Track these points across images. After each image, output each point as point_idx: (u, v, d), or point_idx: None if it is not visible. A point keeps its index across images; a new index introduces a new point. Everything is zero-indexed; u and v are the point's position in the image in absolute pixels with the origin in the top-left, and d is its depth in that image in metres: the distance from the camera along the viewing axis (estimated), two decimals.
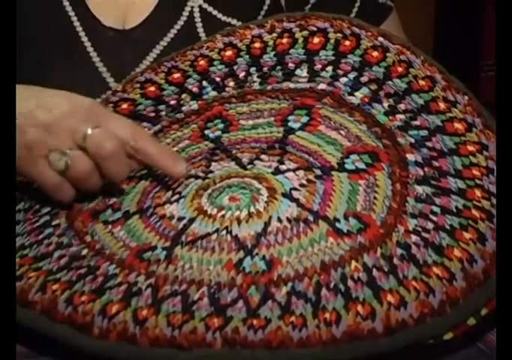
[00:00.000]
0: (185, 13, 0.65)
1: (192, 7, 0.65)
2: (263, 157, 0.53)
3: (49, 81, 0.61)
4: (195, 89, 0.58)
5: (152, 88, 0.58)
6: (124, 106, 0.57)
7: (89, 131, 0.49)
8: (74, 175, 0.49)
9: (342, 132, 0.53)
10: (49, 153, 0.49)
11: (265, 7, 0.66)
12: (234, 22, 0.65)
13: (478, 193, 0.48)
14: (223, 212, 0.49)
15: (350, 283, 0.43)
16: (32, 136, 0.49)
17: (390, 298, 0.42)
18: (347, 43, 0.56)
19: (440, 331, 0.42)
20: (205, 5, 0.65)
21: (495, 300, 0.43)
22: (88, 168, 0.49)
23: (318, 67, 0.56)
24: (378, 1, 0.69)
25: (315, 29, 0.57)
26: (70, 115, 0.49)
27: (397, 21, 0.70)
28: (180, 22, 0.65)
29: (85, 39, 0.64)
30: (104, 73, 0.64)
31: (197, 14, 0.65)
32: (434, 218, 0.47)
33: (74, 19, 0.64)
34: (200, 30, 0.64)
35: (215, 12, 0.65)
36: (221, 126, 0.56)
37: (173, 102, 0.58)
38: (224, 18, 0.65)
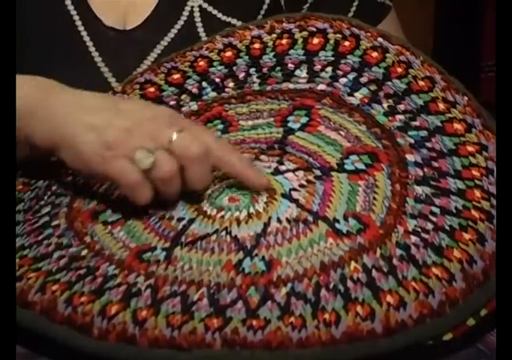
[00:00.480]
0: (185, 13, 0.65)
1: (192, 7, 0.65)
2: (262, 157, 0.53)
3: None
4: (195, 90, 0.58)
5: (152, 89, 0.58)
6: None
7: (175, 135, 0.48)
8: (159, 175, 0.47)
9: (342, 132, 0.53)
10: (134, 151, 0.47)
11: (265, 7, 0.66)
12: (234, 21, 0.65)
13: (478, 193, 0.48)
14: (222, 213, 0.49)
15: (349, 283, 0.43)
16: (114, 136, 0.48)
17: (389, 298, 0.42)
18: (346, 43, 0.56)
19: (439, 332, 0.42)
20: (205, 5, 0.65)
21: (495, 300, 0.43)
22: (174, 169, 0.48)
23: (318, 67, 0.56)
24: (377, 0, 0.69)
25: (315, 30, 0.57)
26: (153, 119, 0.49)
27: (396, 20, 0.70)
28: (180, 22, 0.65)
29: (87, 39, 0.64)
30: (106, 73, 0.64)
31: (197, 14, 0.65)
32: (433, 219, 0.47)
33: (76, 18, 0.64)
34: (200, 30, 0.64)
35: (214, 11, 0.65)
36: (220, 126, 0.56)
37: (172, 103, 0.58)
38: (224, 17, 0.65)
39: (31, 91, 0.51)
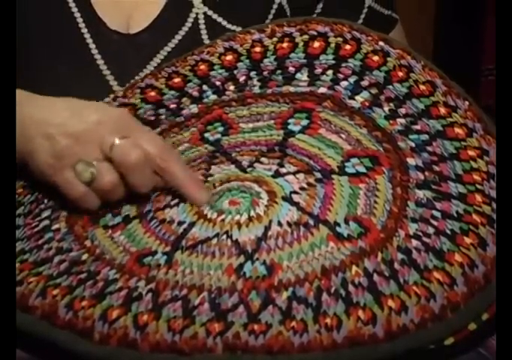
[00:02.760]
0: (190, 20, 0.65)
1: (197, 14, 0.65)
2: (263, 159, 0.53)
3: (54, 83, 0.61)
4: (195, 93, 0.58)
5: (153, 93, 0.58)
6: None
7: (117, 141, 0.49)
8: (99, 187, 0.49)
9: (343, 135, 0.53)
10: (76, 163, 0.49)
11: (270, 17, 0.66)
12: (239, 30, 0.64)
13: (479, 197, 0.48)
14: (223, 216, 0.49)
15: (350, 288, 0.43)
16: (63, 145, 0.49)
17: (390, 303, 0.42)
18: (347, 47, 0.56)
19: (441, 336, 0.42)
20: (210, 12, 0.65)
21: (496, 305, 0.43)
22: (114, 179, 0.49)
23: (319, 71, 0.56)
24: (383, 13, 0.69)
25: (315, 33, 0.57)
26: (101, 125, 0.50)
27: (402, 33, 0.70)
28: (185, 29, 0.64)
29: (90, 41, 0.64)
30: (108, 76, 0.64)
31: (201, 21, 0.65)
32: (434, 223, 0.47)
33: (80, 20, 0.64)
34: (205, 37, 0.64)
35: (219, 19, 0.65)
36: (220, 129, 0.56)
37: (173, 106, 0.58)
38: (228, 25, 0.65)
39: None
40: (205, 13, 0.65)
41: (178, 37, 0.64)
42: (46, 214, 0.52)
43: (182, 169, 0.51)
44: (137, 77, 0.62)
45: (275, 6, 0.66)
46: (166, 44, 0.64)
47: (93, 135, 0.49)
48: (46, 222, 0.51)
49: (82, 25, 0.64)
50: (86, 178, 0.49)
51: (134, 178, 0.49)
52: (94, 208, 0.50)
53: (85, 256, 0.47)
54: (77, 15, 0.64)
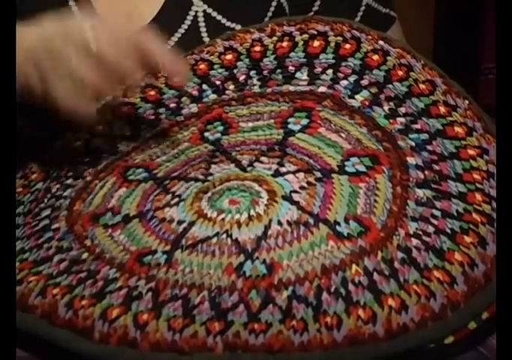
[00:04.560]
0: (189, 18, 0.65)
1: (196, 12, 0.65)
2: (262, 159, 0.53)
3: None
4: (195, 92, 0.58)
5: (153, 93, 0.58)
6: (125, 110, 0.57)
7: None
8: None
9: (343, 134, 0.53)
10: None
11: (269, 14, 0.66)
12: (238, 27, 0.64)
13: (479, 196, 0.48)
14: (223, 215, 0.49)
15: (351, 286, 0.43)
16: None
17: (390, 302, 0.42)
18: (347, 46, 0.56)
19: (441, 335, 0.42)
20: (209, 10, 0.65)
21: (496, 304, 0.43)
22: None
23: (318, 70, 0.56)
24: (381, 10, 0.69)
25: (315, 33, 0.57)
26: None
27: (400, 31, 0.70)
28: (184, 27, 0.64)
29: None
30: None
31: (201, 19, 0.65)
32: (434, 222, 0.47)
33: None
34: (204, 35, 0.64)
35: (219, 17, 0.65)
36: (220, 128, 0.56)
37: (172, 105, 0.58)
38: (228, 23, 0.65)
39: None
40: (204, 11, 0.65)
41: (177, 34, 0.64)
42: (45, 213, 0.52)
43: (163, 48, 0.51)
44: None
45: (274, 3, 0.66)
46: (166, 42, 0.64)
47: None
48: (46, 221, 0.51)
49: None
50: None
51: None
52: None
53: (85, 256, 0.47)
54: (77, 14, 0.64)
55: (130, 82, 0.53)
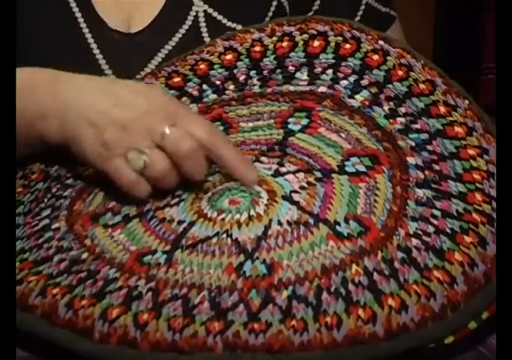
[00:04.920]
0: (190, 18, 0.65)
1: (197, 12, 0.65)
2: (262, 159, 0.53)
3: None
4: (195, 92, 0.58)
5: None
6: None
7: (167, 130, 0.48)
8: (152, 174, 0.49)
9: (342, 134, 0.53)
10: (127, 151, 0.49)
11: (270, 14, 0.66)
12: (239, 27, 0.64)
13: (479, 196, 0.48)
14: (223, 215, 0.49)
15: (351, 286, 0.43)
16: (110, 135, 0.49)
17: (390, 301, 0.42)
18: (347, 46, 0.56)
19: (441, 335, 0.42)
20: (210, 10, 0.65)
21: (496, 303, 0.43)
22: (166, 167, 0.49)
23: (318, 70, 0.56)
24: (381, 10, 0.69)
25: (315, 33, 0.57)
26: (149, 114, 0.49)
27: (400, 30, 0.70)
28: (185, 27, 0.64)
29: (91, 41, 0.64)
30: (109, 76, 0.64)
31: (201, 19, 0.65)
32: (434, 222, 0.47)
33: (81, 20, 0.64)
34: (205, 35, 0.64)
35: (219, 17, 0.65)
36: (220, 128, 0.56)
37: None
38: (229, 23, 0.65)
39: (40, 93, 0.52)
40: (205, 11, 0.65)
41: (178, 35, 0.64)
42: (46, 213, 0.52)
43: (229, 148, 0.50)
44: (137, 76, 0.62)
45: (274, 3, 0.66)
46: (167, 43, 0.64)
47: (141, 124, 0.49)
48: (46, 221, 0.51)
49: (83, 24, 0.64)
50: (139, 167, 0.49)
51: (188, 166, 0.49)
52: (144, 195, 0.50)
53: (85, 255, 0.47)
54: (78, 15, 0.64)
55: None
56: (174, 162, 0.49)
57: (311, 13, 0.67)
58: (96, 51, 0.64)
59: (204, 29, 0.64)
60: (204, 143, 0.49)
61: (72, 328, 0.42)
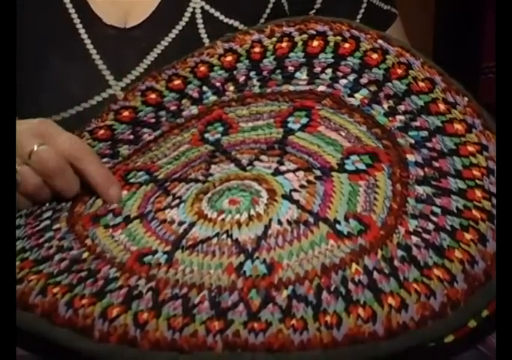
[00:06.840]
0: (187, 14, 0.65)
1: (194, 8, 0.65)
2: (262, 157, 0.53)
3: (48, 78, 0.61)
4: (195, 94, 0.58)
5: (153, 96, 0.58)
6: (126, 113, 0.58)
7: (35, 148, 0.51)
8: (25, 191, 0.51)
9: (342, 133, 0.53)
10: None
11: (267, 10, 0.66)
12: (236, 24, 0.64)
13: (479, 193, 0.47)
14: (223, 216, 0.49)
15: (351, 285, 0.43)
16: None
17: (390, 300, 0.42)
18: (346, 45, 0.56)
19: (441, 334, 0.42)
20: (207, 7, 0.65)
21: (496, 301, 0.43)
22: (37, 184, 0.51)
23: (318, 69, 0.56)
24: (383, 7, 0.69)
25: (314, 33, 0.57)
26: (20, 133, 0.51)
27: (401, 28, 0.70)
28: (182, 23, 0.65)
29: (85, 36, 0.64)
30: (104, 71, 0.64)
31: (198, 15, 0.65)
32: (434, 219, 0.46)
33: (75, 16, 0.64)
34: (202, 31, 0.64)
35: (217, 13, 0.65)
36: (220, 129, 0.56)
37: (173, 107, 0.58)
38: (226, 20, 0.65)
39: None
40: (202, 8, 0.65)
41: (175, 31, 0.64)
42: (47, 214, 0.52)
43: (95, 167, 0.52)
44: (133, 72, 0.62)
45: (272, 0, 0.66)
46: (163, 39, 0.64)
47: (18, 142, 0.51)
48: (47, 222, 0.51)
49: (76, 20, 0.64)
50: (17, 183, 0.51)
51: (56, 182, 0.51)
52: (22, 209, 0.52)
53: (85, 255, 0.47)
54: (72, 11, 0.64)
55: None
56: (44, 179, 0.51)
57: (313, 12, 0.67)
58: (90, 46, 0.64)
59: (201, 25, 0.64)
60: (68, 159, 0.51)
61: (72, 327, 0.42)
